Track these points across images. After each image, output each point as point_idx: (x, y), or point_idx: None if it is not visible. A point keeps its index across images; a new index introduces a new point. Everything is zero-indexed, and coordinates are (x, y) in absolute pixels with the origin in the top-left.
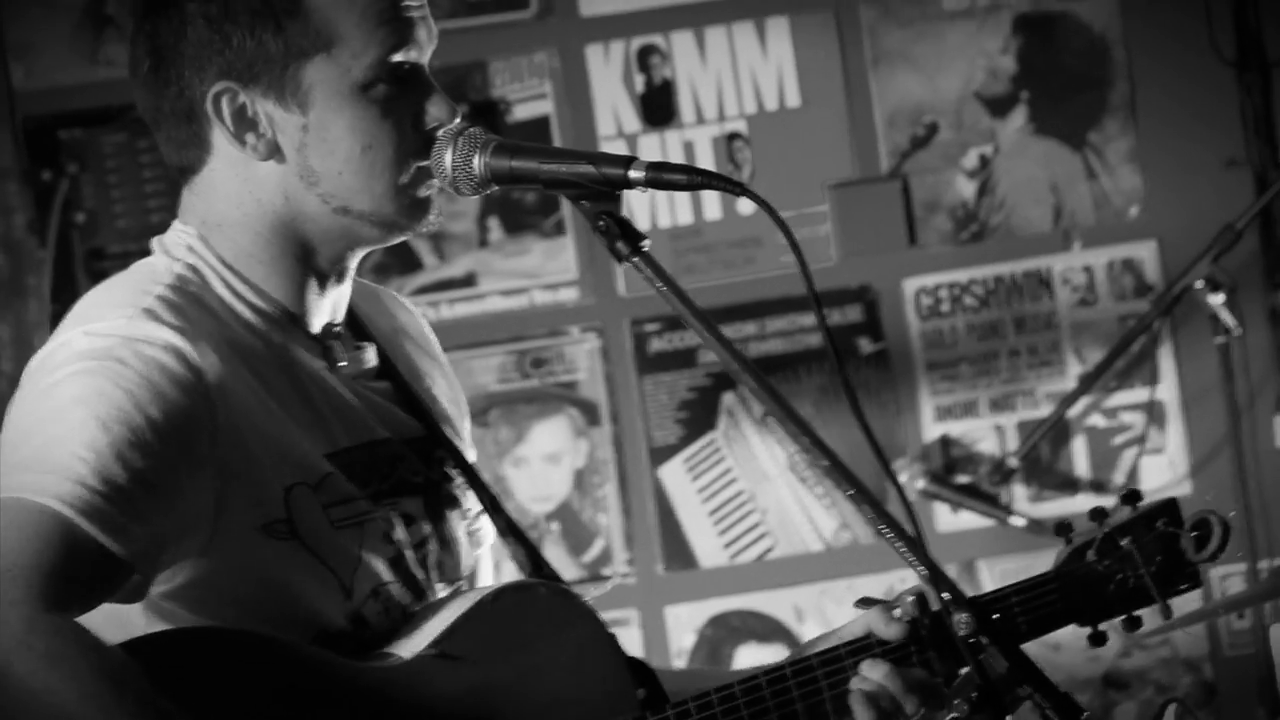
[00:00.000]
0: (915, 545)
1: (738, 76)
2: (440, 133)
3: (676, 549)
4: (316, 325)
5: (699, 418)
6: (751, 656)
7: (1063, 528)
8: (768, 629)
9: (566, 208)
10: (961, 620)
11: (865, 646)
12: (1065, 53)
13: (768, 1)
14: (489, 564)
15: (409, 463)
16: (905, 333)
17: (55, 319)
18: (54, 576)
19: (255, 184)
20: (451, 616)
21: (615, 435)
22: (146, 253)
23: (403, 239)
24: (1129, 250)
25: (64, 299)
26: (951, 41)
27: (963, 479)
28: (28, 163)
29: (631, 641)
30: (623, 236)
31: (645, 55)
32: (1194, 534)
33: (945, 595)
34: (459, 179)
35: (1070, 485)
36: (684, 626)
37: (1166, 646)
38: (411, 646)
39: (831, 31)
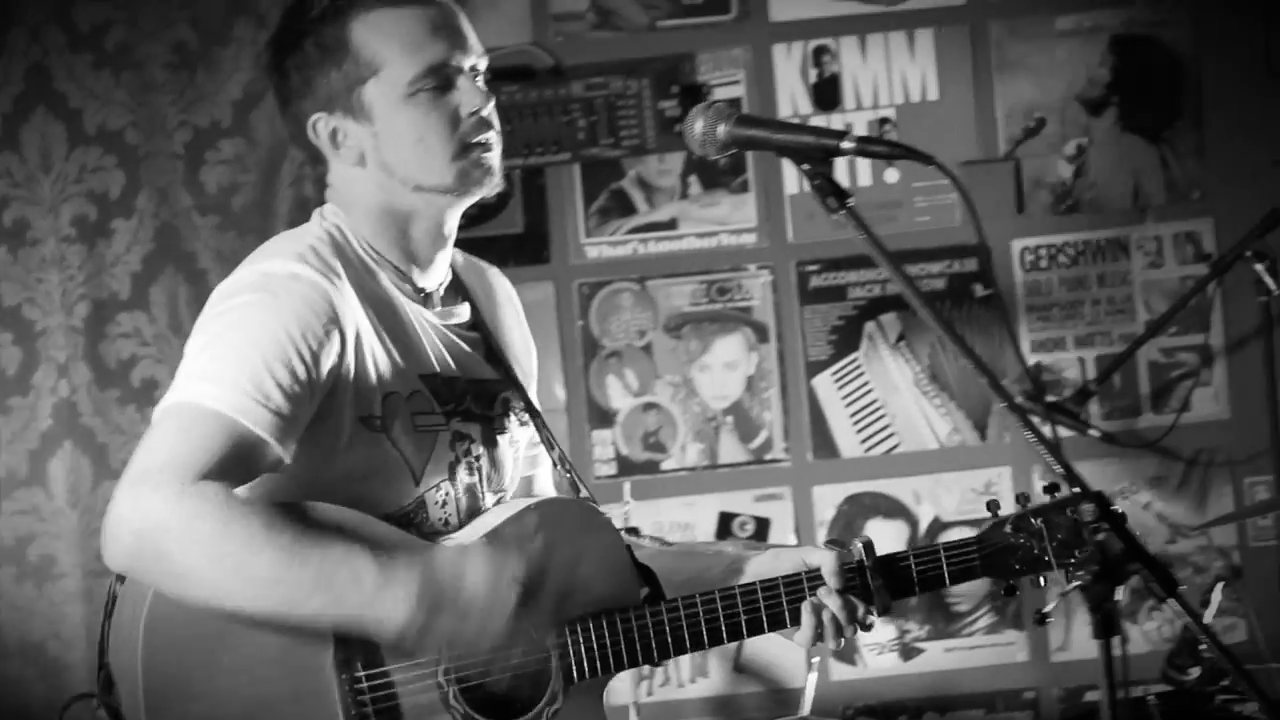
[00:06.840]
0: (1053, 449)
1: (890, 74)
2: (694, 107)
3: (823, 441)
4: (421, 283)
5: (846, 340)
6: (879, 528)
7: (992, 505)
8: (891, 507)
9: (752, 169)
10: (1086, 509)
11: (818, 576)
12: (1149, 67)
13: (917, 16)
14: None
15: (475, 397)
16: (1011, 281)
17: None
18: (211, 465)
19: (357, 182)
20: (501, 517)
21: (780, 351)
22: None
23: (473, 199)
24: (1191, 225)
25: None
26: (1060, 55)
27: (1051, 398)
28: None
29: (784, 513)
30: (833, 194)
31: (819, 53)
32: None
33: (1075, 489)
34: (705, 141)
35: (1135, 408)
36: (826, 503)
37: (1204, 536)
38: (469, 535)
39: (966, 42)
